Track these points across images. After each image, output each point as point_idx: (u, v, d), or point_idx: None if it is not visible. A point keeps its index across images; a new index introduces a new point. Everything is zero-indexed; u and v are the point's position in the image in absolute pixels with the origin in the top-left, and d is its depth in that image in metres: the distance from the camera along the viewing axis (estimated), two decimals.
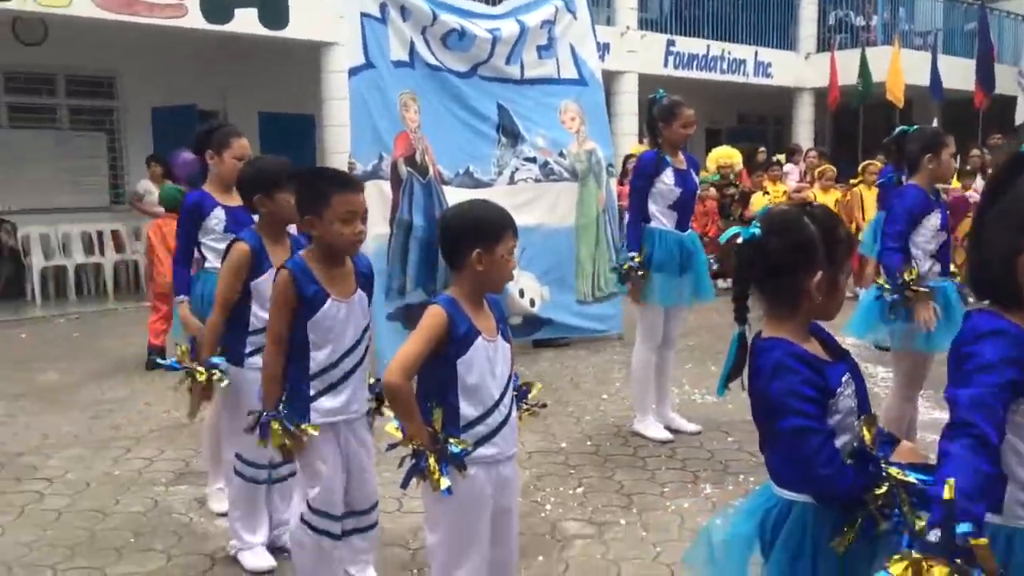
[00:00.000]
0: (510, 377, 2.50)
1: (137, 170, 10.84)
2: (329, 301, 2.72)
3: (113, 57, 11.03)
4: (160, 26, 9.68)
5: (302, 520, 2.79)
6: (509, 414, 2.47)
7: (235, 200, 3.63)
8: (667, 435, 4.91)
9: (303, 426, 2.70)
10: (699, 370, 6.37)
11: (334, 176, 2.80)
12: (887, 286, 3.91)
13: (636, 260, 4.79)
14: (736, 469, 4.45)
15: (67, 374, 6.67)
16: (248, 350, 3.25)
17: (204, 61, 11.42)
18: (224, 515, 3.65)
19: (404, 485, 2.40)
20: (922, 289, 3.84)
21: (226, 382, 3.24)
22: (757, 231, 1.95)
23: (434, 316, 2.35)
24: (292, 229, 3.27)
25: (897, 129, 4.38)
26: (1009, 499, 1.71)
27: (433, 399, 2.38)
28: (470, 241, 2.37)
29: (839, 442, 1.86)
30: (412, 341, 2.34)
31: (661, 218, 4.88)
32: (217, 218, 3.75)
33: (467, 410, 2.38)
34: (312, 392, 2.76)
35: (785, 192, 10.58)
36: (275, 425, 2.69)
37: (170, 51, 10.89)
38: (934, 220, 3.95)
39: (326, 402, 2.76)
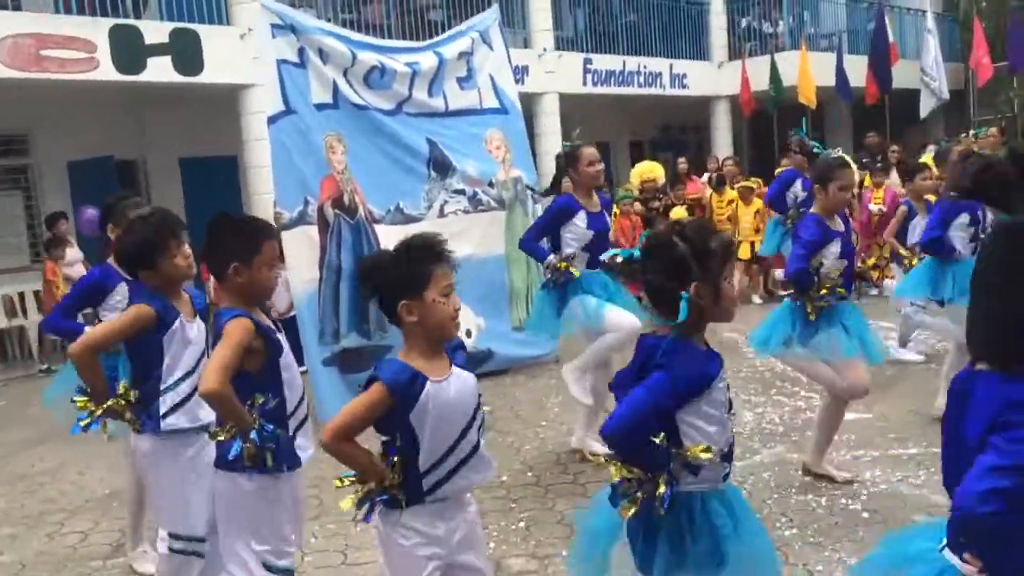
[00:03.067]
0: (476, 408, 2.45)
1: None
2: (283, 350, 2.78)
3: (25, 114, 10.79)
4: (71, 80, 9.52)
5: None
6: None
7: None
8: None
9: None
10: None
11: (259, 224, 2.87)
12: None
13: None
14: None
15: None
16: (163, 410, 3.08)
17: (119, 111, 11.26)
18: None
19: (366, 518, 2.37)
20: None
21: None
22: (636, 252, 2.25)
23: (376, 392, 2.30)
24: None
25: (791, 132, 4.62)
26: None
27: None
28: (395, 294, 2.32)
29: (710, 429, 2.19)
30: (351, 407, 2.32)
31: (576, 259, 5.00)
32: (121, 294, 3.71)
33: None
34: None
35: (731, 201, 10.80)
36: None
37: (83, 104, 10.72)
38: (834, 248, 4.15)
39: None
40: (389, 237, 6.95)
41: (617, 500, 2.21)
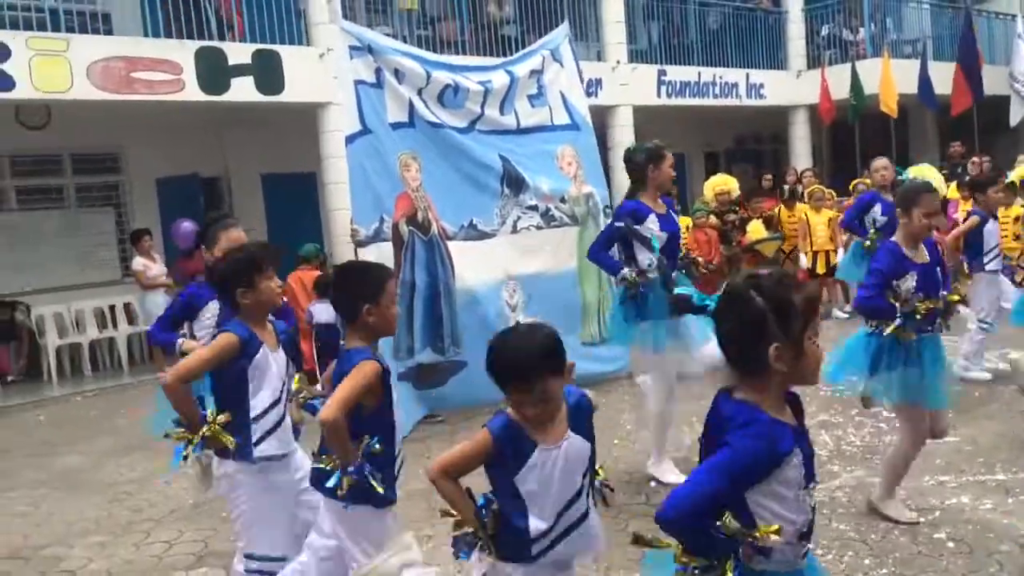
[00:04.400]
0: None
1: None
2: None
3: (116, 133, 11.25)
4: (159, 101, 9.89)
5: None
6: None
7: None
8: (682, 478, 4.93)
9: None
10: (703, 403, 6.38)
11: (380, 267, 3.09)
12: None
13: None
14: None
15: (87, 456, 6.76)
16: (255, 438, 3.17)
17: (204, 130, 11.64)
18: None
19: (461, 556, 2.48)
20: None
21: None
22: (711, 302, 2.06)
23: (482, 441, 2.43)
24: None
25: (899, 177, 4.46)
26: None
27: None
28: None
29: (783, 511, 1.97)
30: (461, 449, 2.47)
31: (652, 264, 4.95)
32: (211, 312, 3.85)
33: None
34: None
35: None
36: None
37: (171, 123, 11.12)
38: (909, 282, 3.92)
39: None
40: (462, 253, 7.03)
41: None
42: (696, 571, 1.98)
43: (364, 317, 2.86)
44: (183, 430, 3.16)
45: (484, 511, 2.41)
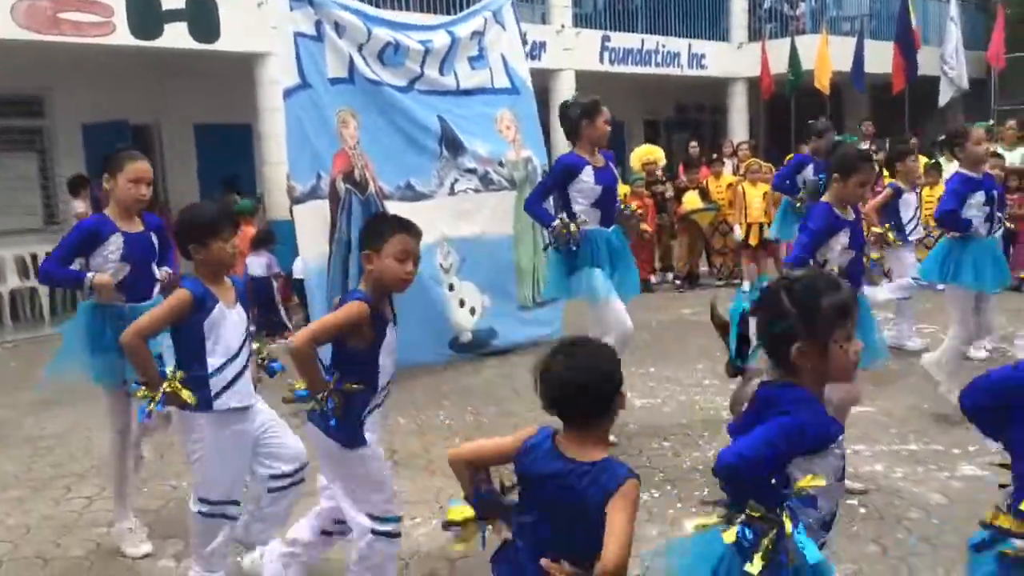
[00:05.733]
0: None
1: None
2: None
3: (41, 75, 10.80)
4: (87, 44, 9.52)
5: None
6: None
7: (135, 226, 3.75)
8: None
9: None
10: (638, 371, 6.50)
11: (395, 218, 3.10)
12: None
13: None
14: (672, 476, 4.58)
15: (6, 408, 6.58)
16: (214, 392, 3.21)
17: (135, 76, 11.26)
18: (140, 558, 3.80)
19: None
20: None
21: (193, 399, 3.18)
22: (746, 306, 2.12)
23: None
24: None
25: (835, 139, 4.58)
26: None
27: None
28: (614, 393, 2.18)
29: (824, 504, 2.01)
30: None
31: (585, 217, 5.00)
32: (115, 245, 3.72)
33: None
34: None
35: (730, 185, 10.81)
36: None
37: (99, 67, 10.72)
38: (842, 238, 4.10)
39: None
40: (399, 213, 6.96)
41: (744, 553, 1.94)
42: (752, 530, 1.94)
43: (365, 263, 2.97)
44: (145, 388, 3.19)
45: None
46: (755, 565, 1.89)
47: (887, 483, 4.39)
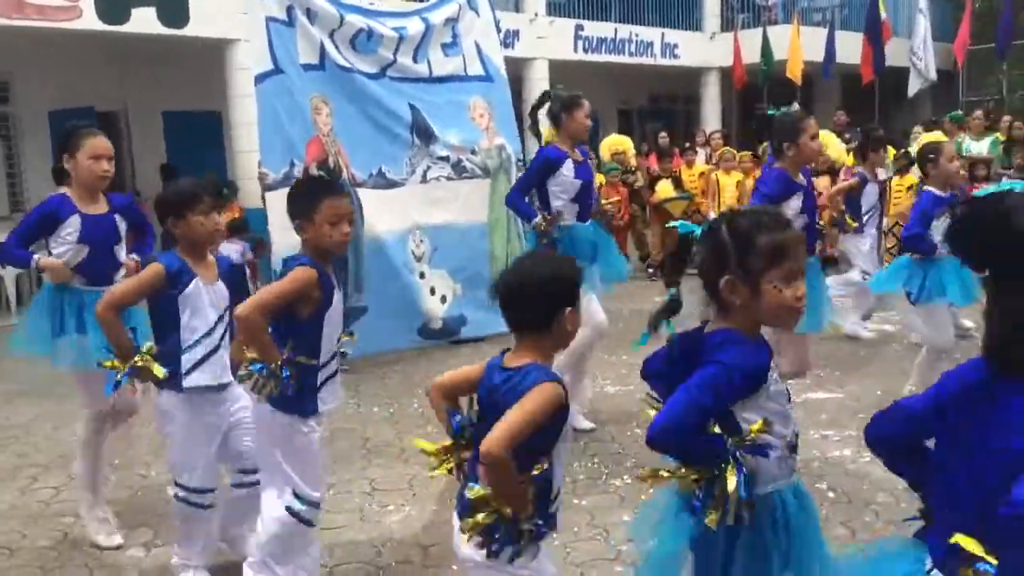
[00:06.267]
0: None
1: (35, 176, 10.50)
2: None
3: (4, 60, 10.63)
4: (53, 28, 9.36)
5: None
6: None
7: (96, 207, 3.68)
8: (588, 424, 5.05)
9: None
10: (611, 359, 6.52)
11: (322, 183, 3.08)
12: None
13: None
14: (644, 461, 4.59)
15: None
16: (184, 369, 3.18)
17: (102, 62, 11.10)
18: (112, 549, 3.74)
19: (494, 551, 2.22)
20: None
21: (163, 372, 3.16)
22: (697, 231, 2.07)
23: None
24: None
25: (760, 114, 4.59)
26: None
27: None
28: (560, 301, 2.16)
29: (775, 425, 1.96)
30: None
31: (564, 212, 4.98)
32: (72, 226, 3.66)
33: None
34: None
35: (702, 174, 10.87)
36: None
37: (66, 53, 10.55)
38: (795, 203, 4.12)
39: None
40: (372, 201, 6.94)
41: (699, 510, 1.95)
42: (700, 489, 1.93)
43: (299, 233, 2.90)
44: (112, 360, 3.17)
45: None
46: (712, 518, 1.91)
47: (855, 468, 4.43)
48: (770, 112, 4.46)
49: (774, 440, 1.96)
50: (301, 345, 2.86)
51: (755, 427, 1.93)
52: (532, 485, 2.08)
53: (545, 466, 2.10)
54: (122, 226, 3.83)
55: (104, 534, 3.80)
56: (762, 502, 1.96)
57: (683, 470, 1.96)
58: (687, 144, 12.41)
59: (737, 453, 1.92)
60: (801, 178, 4.28)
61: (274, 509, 2.93)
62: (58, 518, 4.16)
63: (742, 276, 1.93)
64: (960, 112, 12.05)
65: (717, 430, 1.92)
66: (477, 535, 2.09)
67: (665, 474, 1.98)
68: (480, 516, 2.07)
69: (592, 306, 4.99)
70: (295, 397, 2.87)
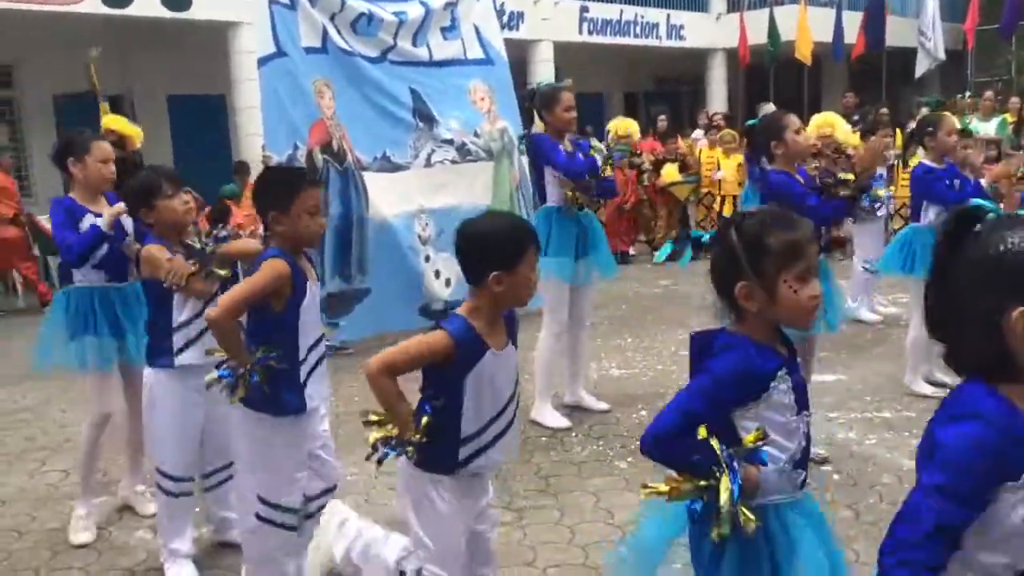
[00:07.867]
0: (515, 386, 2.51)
1: (41, 159, 10.49)
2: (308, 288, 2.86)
3: (9, 45, 10.61)
4: (56, 13, 9.34)
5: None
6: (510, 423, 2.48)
7: (101, 207, 3.71)
8: (564, 422, 4.92)
9: None
10: (616, 342, 6.52)
11: (297, 173, 3.08)
12: None
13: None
14: None
15: None
16: (177, 347, 3.23)
17: (106, 46, 11.02)
18: (148, 517, 3.78)
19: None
20: None
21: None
22: (705, 238, 2.07)
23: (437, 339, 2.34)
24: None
25: (747, 123, 4.58)
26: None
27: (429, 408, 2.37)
28: (488, 264, 2.29)
29: (776, 437, 1.91)
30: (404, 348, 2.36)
31: (553, 195, 4.92)
32: (86, 224, 3.68)
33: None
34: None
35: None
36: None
37: (69, 37, 10.51)
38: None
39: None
40: (377, 184, 6.93)
41: (696, 517, 1.94)
42: (695, 500, 1.90)
43: (273, 225, 2.81)
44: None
45: (420, 415, 2.34)
46: (719, 530, 1.86)
47: (860, 449, 4.44)
48: (749, 123, 4.44)
49: (775, 452, 1.93)
50: (277, 340, 2.76)
51: (750, 437, 1.89)
52: (426, 415, 2.32)
53: (440, 402, 2.33)
54: (127, 222, 3.83)
55: (75, 531, 3.76)
56: (755, 513, 1.89)
57: (682, 481, 1.92)
58: (691, 127, 12.35)
59: (733, 462, 1.88)
60: (800, 178, 4.18)
61: (246, 511, 2.92)
62: (67, 501, 4.17)
63: (756, 279, 1.89)
64: (968, 93, 11.95)
65: (714, 441, 1.87)
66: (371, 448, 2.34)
67: (664, 489, 1.93)
68: (375, 432, 2.35)
69: (563, 296, 4.91)
70: (272, 397, 2.77)
